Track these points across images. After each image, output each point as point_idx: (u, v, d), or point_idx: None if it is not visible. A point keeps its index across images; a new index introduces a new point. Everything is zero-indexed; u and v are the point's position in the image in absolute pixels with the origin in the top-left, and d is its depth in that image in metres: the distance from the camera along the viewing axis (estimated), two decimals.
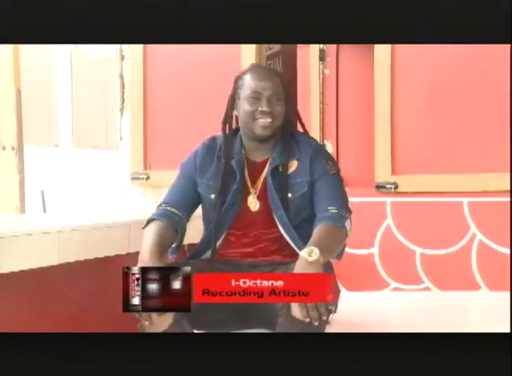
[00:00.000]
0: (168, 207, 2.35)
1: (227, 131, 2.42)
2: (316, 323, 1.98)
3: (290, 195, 2.32)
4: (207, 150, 2.42)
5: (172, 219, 2.32)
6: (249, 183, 2.37)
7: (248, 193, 2.36)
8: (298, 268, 2.04)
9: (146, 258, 2.14)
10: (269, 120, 2.31)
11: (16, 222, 2.81)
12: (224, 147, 2.38)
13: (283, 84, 2.37)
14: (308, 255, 2.04)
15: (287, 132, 2.40)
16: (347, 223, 2.26)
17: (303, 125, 2.50)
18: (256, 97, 2.32)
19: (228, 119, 2.42)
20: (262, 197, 2.35)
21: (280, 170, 2.33)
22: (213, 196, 2.36)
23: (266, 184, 2.34)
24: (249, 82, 2.34)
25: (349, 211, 2.31)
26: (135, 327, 2.16)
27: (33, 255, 2.29)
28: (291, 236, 2.30)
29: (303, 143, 2.38)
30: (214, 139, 2.45)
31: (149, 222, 2.32)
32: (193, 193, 2.40)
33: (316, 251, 2.04)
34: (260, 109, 2.31)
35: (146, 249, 2.18)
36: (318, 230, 2.19)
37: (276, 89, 2.33)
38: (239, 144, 2.40)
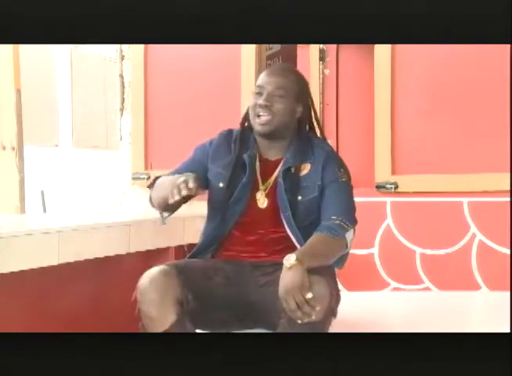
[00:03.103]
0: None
1: (245, 125, 2.42)
2: (304, 320, 2.03)
3: (299, 197, 2.31)
4: (223, 139, 2.43)
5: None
6: (259, 180, 2.36)
7: (257, 190, 2.36)
8: (282, 274, 2.09)
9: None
10: (267, 116, 2.30)
11: (16, 222, 2.81)
12: (239, 140, 2.39)
13: (300, 85, 2.37)
14: (286, 261, 2.09)
15: (304, 135, 2.40)
16: (349, 234, 2.26)
17: (321, 130, 2.50)
18: (259, 92, 2.33)
19: (247, 114, 2.42)
20: (271, 196, 2.35)
21: (293, 172, 2.33)
22: (221, 184, 2.36)
23: (277, 183, 2.34)
24: (260, 77, 2.37)
25: (354, 222, 2.30)
26: (135, 327, 2.17)
27: (33, 255, 2.29)
28: (297, 238, 2.30)
29: (317, 147, 2.38)
30: (230, 131, 2.45)
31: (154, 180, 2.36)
32: (202, 177, 2.37)
33: (293, 257, 2.08)
34: (258, 102, 2.31)
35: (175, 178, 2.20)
36: (311, 238, 2.22)
37: (282, 85, 2.32)
38: (253, 140, 2.40)
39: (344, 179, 2.35)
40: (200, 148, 2.45)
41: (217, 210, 2.37)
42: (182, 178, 2.11)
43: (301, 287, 2.03)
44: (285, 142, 2.38)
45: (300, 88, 2.37)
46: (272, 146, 2.38)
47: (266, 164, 2.37)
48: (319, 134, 2.49)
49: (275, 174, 2.36)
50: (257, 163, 2.37)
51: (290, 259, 2.09)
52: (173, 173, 2.38)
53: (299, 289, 2.03)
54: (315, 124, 2.47)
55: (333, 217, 2.26)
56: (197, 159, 2.43)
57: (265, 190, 2.36)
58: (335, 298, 2.15)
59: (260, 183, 2.36)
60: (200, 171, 2.35)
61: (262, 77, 2.35)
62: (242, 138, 2.39)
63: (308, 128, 2.45)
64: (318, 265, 2.13)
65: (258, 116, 2.32)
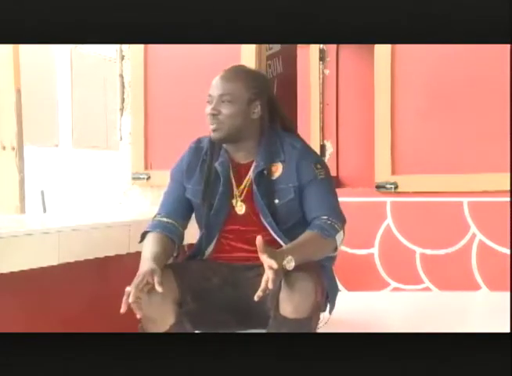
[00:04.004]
0: (162, 218, 2.32)
1: None
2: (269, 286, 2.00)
3: (276, 201, 2.27)
4: (193, 153, 2.39)
5: (167, 229, 2.30)
6: (234, 186, 2.33)
7: (233, 196, 2.33)
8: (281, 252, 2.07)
9: (147, 270, 2.11)
10: (216, 124, 2.27)
11: (16, 222, 2.81)
12: (210, 149, 2.36)
13: (253, 85, 2.30)
14: (288, 264, 2.05)
15: (271, 133, 2.33)
16: (339, 236, 2.22)
17: (290, 125, 2.44)
18: (209, 100, 2.30)
19: None
20: (248, 201, 2.31)
21: (266, 174, 2.28)
22: (200, 200, 2.34)
23: (251, 189, 2.30)
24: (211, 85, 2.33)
25: (342, 221, 2.26)
26: (135, 327, 2.17)
27: (33, 255, 2.29)
28: (283, 242, 2.26)
29: (287, 145, 2.32)
30: (199, 141, 2.41)
31: (144, 234, 2.30)
32: (185, 199, 2.37)
33: (292, 262, 2.05)
34: (206, 112, 2.29)
35: (145, 261, 2.16)
36: (304, 235, 2.19)
37: (228, 91, 2.26)
38: (223, 147, 2.35)
39: (322, 176, 2.29)
40: (175, 170, 2.41)
41: (201, 223, 2.36)
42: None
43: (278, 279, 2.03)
44: (252, 143, 2.32)
45: (253, 89, 2.29)
46: (239, 149, 2.33)
47: (239, 169, 2.33)
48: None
49: (248, 178, 2.32)
50: (230, 169, 2.33)
51: (290, 263, 2.05)
52: (161, 205, 2.37)
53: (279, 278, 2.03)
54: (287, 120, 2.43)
55: (323, 217, 2.23)
56: (177, 182, 2.39)
57: (240, 196, 2.33)
58: (320, 293, 2.12)
59: (235, 189, 2.33)
60: (184, 195, 2.36)
61: (212, 84, 2.31)
62: (211, 146, 2.35)
63: (277, 124, 2.38)
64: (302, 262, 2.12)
65: (210, 123, 2.29)
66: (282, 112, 2.42)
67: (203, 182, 2.32)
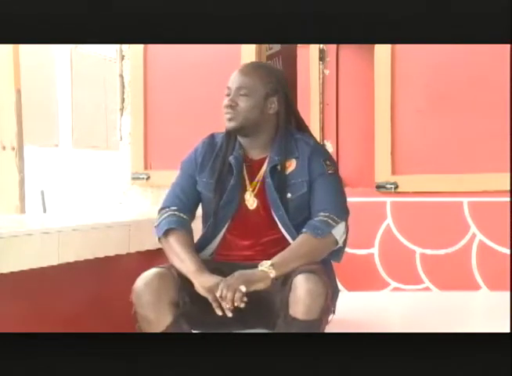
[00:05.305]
0: (177, 213, 2.33)
1: None
2: (227, 306, 2.08)
3: (289, 195, 2.30)
4: (206, 147, 2.41)
5: (186, 227, 2.33)
6: (247, 180, 2.36)
7: (245, 191, 2.35)
8: (251, 270, 2.14)
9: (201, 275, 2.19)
10: (232, 114, 2.30)
11: (16, 222, 2.81)
12: (225, 144, 2.38)
13: (271, 81, 2.33)
14: (260, 266, 2.15)
15: (285, 131, 2.37)
16: (338, 229, 2.25)
17: (303, 123, 2.47)
18: (227, 93, 2.34)
19: None
20: (260, 196, 2.34)
21: (279, 169, 2.32)
22: (211, 193, 2.35)
23: (265, 183, 2.33)
24: (230, 77, 2.36)
25: (344, 214, 2.30)
26: (135, 327, 2.17)
27: (33, 255, 2.29)
28: (292, 237, 2.29)
29: (301, 142, 2.36)
30: (213, 137, 2.43)
31: (168, 231, 2.30)
32: (195, 192, 2.39)
33: (271, 269, 2.13)
34: (223, 103, 2.33)
35: (190, 265, 2.22)
36: (296, 240, 2.24)
37: (246, 85, 2.31)
38: (238, 142, 2.38)
39: (330, 172, 2.33)
40: (186, 162, 2.43)
41: (209, 216, 2.37)
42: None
43: (240, 294, 2.08)
44: (266, 140, 2.36)
45: (270, 84, 2.33)
46: (254, 144, 2.36)
47: (251, 164, 2.36)
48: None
49: (261, 173, 2.34)
50: (244, 163, 2.36)
51: (263, 265, 2.14)
52: (171, 197, 2.38)
53: (238, 290, 2.08)
54: (301, 117, 2.46)
55: (320, 213, 2.26)
56: (189, 174, 2.40)
57: (253, 191, 2.35)
58: (331, 295, 2.15)
59: (248, 184, 2.35)
60: (194, 189, 2.38)
61: (231, 77, 2.35)
62: (227, 141, 2.38)
63: (292, 121, 2.42)
64: (299, 266, 2.15)
65: (226, 115, 2.32)
66: (295, 110, 2.46)
67: (215, 176, 2.34)
